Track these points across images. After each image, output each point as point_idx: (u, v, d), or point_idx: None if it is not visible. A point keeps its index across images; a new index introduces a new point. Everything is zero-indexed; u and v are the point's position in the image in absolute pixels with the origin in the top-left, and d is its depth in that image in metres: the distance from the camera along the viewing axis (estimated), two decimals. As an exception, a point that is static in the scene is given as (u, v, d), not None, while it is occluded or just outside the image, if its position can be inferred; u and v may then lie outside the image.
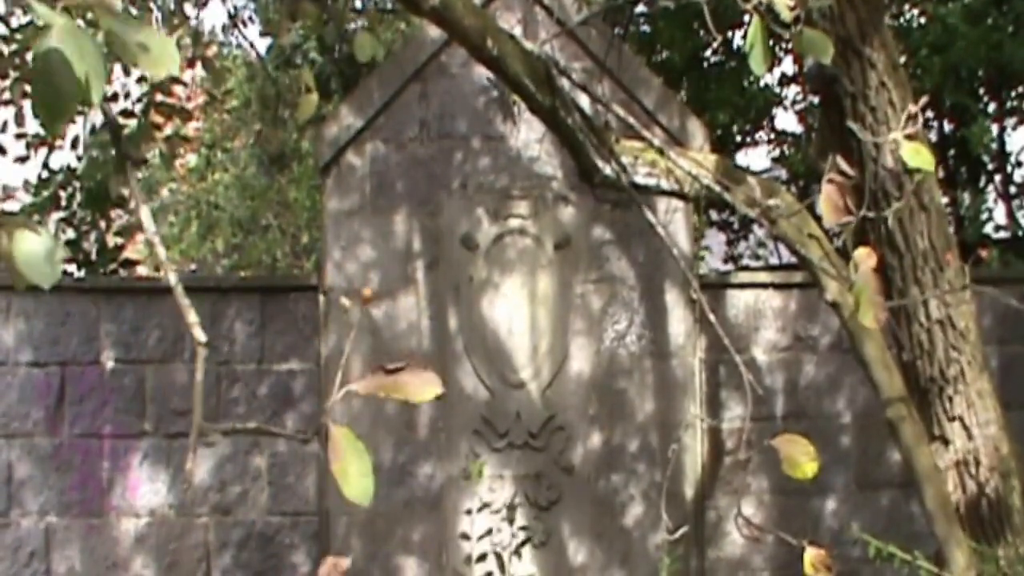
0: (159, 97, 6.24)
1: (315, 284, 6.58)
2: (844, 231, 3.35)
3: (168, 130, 7.01)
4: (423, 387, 2.03)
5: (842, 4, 4.44)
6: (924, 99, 3.58)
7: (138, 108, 6.61)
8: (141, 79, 6.92)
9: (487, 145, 6.57)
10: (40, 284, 1.84)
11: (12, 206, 7.80)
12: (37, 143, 7.06)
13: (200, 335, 2.07)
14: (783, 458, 2.64)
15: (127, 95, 7.27)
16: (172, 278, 2.14)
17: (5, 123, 6.40)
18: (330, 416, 2.00)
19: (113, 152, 6.49)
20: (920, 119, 3.48)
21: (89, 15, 1.80)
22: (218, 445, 6.49)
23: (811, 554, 2.71)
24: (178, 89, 7.73)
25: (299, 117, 4.86)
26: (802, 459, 2.65)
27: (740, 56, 9.43)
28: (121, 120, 6.16)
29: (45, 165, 7.49)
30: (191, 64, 6.57)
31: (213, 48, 8.73)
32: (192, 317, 2.09)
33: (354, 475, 1.98)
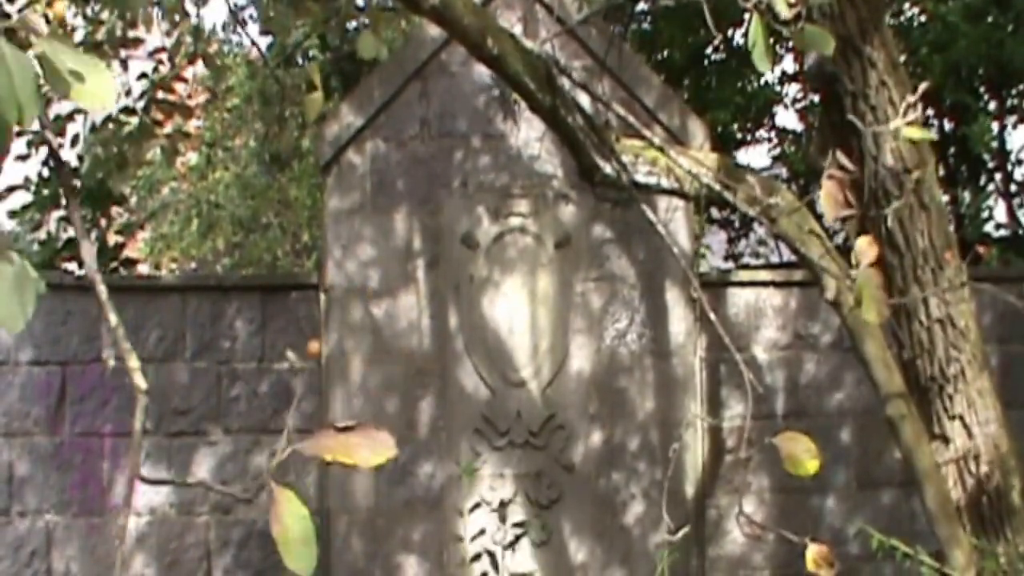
0: (160, 94, 6.24)
1: (316, 283, 6.58)
2: (844, 229, 3.35)
3: (168, 127, 7.00)
4: (374, 450, 1.85)
5: (842, 3, 4.44)
6: (923, 85, 3.57)
7: (139, 105, 6.60)
8: (142, 76, 6.91)
9: (487, 144, 6.57)
10: (14, 330, 1.72)
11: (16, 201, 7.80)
12: (38, 141, 7.05)
13: (141, 382, 1.89)
14: (784, 456, 2.64)
15: (128, 92, 7.27)
16: (92, 270, 1.99)
17: None
18: (273, 477, 1.82)
19: (116, 148, 6.46)
20: (919, 111, 3.47)
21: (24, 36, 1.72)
22: (219, 444, 6.49)
23: (813, 549, 2.71)
24: (179, 87, 7.73)
25: (306, 116, 4.85)
26: (803, 456, 2.65)
27: (741, 54, 9.43)
28: (123, 118, 6.14)
29: (46, 163, 7.49)
30: (192, 61, 6.56)
31: (214, 46, 8.73)
32: (134, 363, 1.91)
33: (295, 543, 1.83)
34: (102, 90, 1.74)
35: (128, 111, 6.67)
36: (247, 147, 12.60)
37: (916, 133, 3.02)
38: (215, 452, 6.49)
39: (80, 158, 7.47)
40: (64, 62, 1.72)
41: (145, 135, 5.79)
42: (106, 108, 1.76)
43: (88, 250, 1.97)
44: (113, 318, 1.84)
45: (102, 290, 2.05)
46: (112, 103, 1.76)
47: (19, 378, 6.46)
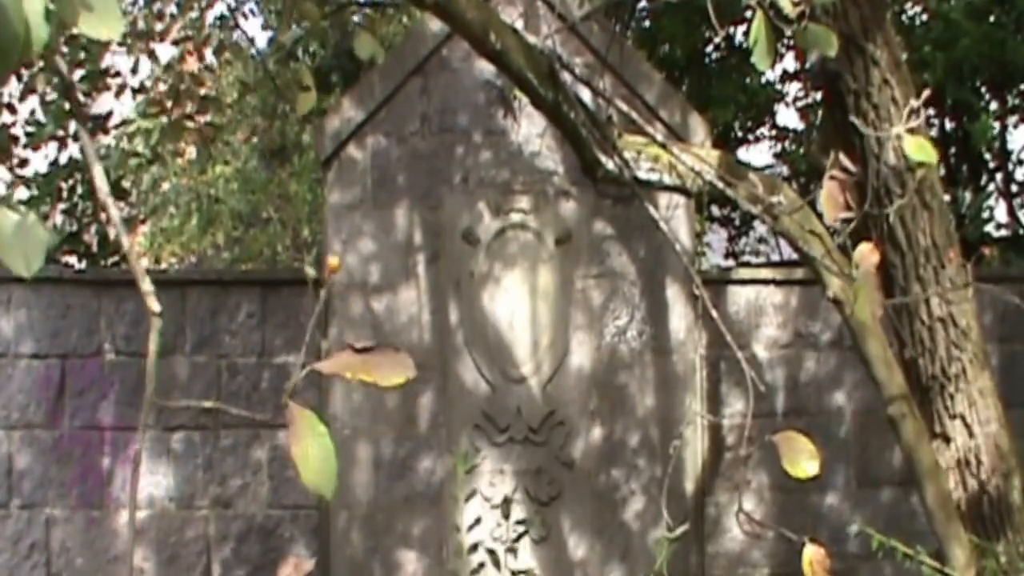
0: (196, 89, 6.21)
1: (316, 277, 6.57)
2: (846, 229, 3.34)
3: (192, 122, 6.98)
4: (394, 369, 1.83)
5: (845, 1, 4.44)
6: (926, 93, 3.57)
7: (142, 107, 6.61)
8: (168, 67, 6.90)
9: (488, 139, 6.57)
10: (20, 273, 1.73)
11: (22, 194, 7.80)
12: (46, 138, 7.06)
13: (155, 305, 1.86)
14: (783, 456, 2.63)
15: (140, 89, 7.28)
16: (124, 243, 1.97)
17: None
18: (291, 397, 1.81)
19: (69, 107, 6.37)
20: (922, 115, 3.47)
21: None
22: (219, 438, 6.49)
23: (810, 552, 2.70)
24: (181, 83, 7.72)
25: (298, 112, 4.85)
26: (802, 457, 2.64)
27: (742, 52, 9.42)
28: (151, 110, 6.13)
29: (55, 163, 7.48)
30: (195, 55, 6.56)
31: (213, 41, 8.72)
32: (147, 285, 1.88)
33: (315, 460, 1.78)
34: (109, 19, 1.70)
35: (157, 105, 6.64)
36: (247, 142, 12.59)
37: (918, 151, 3.01)
38: (215, 445, 6.49)
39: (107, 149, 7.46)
40: None
41: (177, 130, 5.77)
42: (113, 38, 1.74)
43: (100, 174, 1.95)
44: (143, 277, 1.84)
45: (114, 213, 2.02)
46: (118, 33, 1.71)
47: (19, 371, 6.46)
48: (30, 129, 7.24)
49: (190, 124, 6.03)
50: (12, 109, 7.10)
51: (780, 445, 2.65)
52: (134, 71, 7.41)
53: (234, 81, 11.70)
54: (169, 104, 6.14)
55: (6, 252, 1.72)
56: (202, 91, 6.34)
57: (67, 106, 6.92)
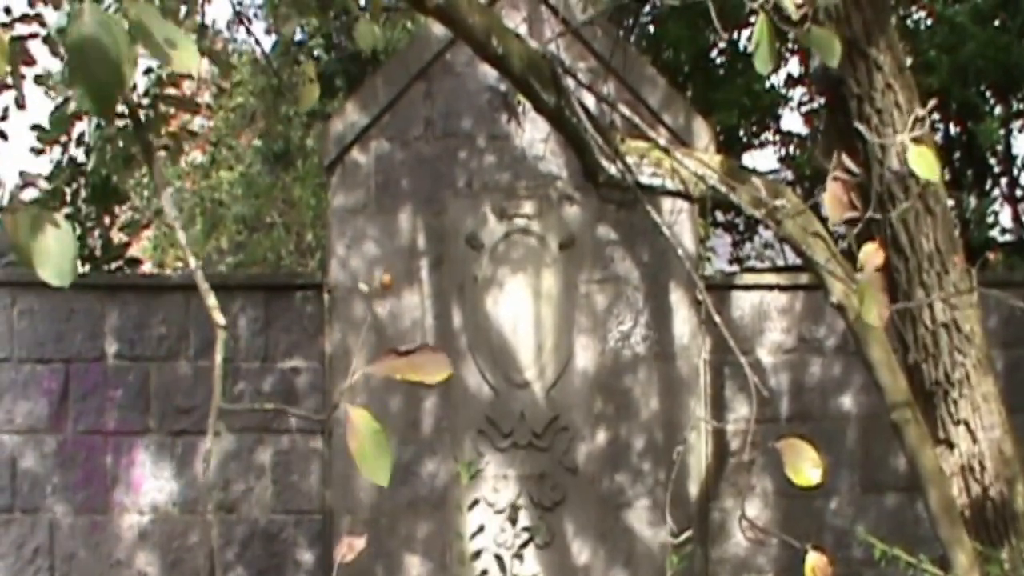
0: (169, 90, 6.22)
1: (319, 282, 6.57)
2: (849, 233, 3.33)
3: (173, 125, 6.99)
4: (434, 369, 2.02)
5: (848, 5, 4.42)
6: (933, 102, 3.56)
7: (145, 101, 6.59)
8: (148, 71, 6.89)
9: (492, 144, 6.57)
10: (55, 283, 1.77)
11: (30, 193, 7.79)
12: (51, 139, 7.03)
13: (219, 318, 2.06)
14: (787, 463, 2.63)
15: (133, 88, 7.25)
16: (192, 261, 2.13)
17: (6, 109, 6.38)
18: (345, 399, 1.99)
19: (123, 144, 6.45)
20: (928, 122, 3.46)
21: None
22: (222, 442, 6.49)
23: (812, 559, 2.69)
24: (184, 84, 7.72)
25: (300, 107, 4.85)
26: (805, 465, 2.63)
27: (746, 57, 9.40)
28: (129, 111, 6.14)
29: (59, 163, 7.48)
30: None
31: (219, 43, 8.73)
32: (211, 300, 2.08)
33: (372, 455, 1.99)
34: (189, 56, 1.80)
35: (137, 107, 6.64)
36: (251, 146, 12.61)
37: (921, 165, 3.00)
38: (218, 450, 6.48)
39: (87, 153, 7.45)
40: (157, 28, 1.77)
41: (154, 131, 5.79)
42: (192, 73, 1.82)
43: (167, 200, 2.06)
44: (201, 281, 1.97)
45: (181, 235, 2.21)
46: (197, 68, 1.79)
47: (22, 375, 6.46)
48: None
49: (165, 127, 6.04)
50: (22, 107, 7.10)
51: (784, 452, 2.64)
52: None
53: (240, 84, 11.72)
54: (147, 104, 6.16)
55: (42, 262, 1.77)
56: (176, 92, 6.33)
57: (71, 110, 6.92)
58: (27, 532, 6.44)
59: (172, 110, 6.12)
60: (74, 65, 1.69)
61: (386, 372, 2.02)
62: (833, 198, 3.03)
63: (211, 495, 6.44)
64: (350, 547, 2.36)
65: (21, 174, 6.97)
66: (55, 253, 1.78)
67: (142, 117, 6.14)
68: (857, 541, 6.44)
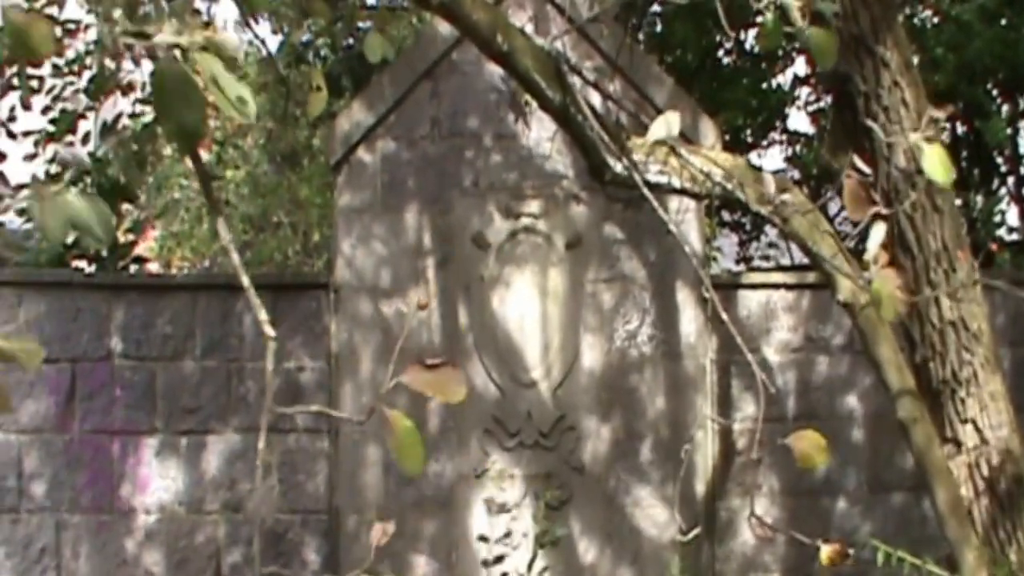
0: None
1: (326, 282, 6.57)
2: (858, 229, 3.31)
3: None
4: (454, 388, 2.19)
5: (855, 3, 4.42)
6: (950, 108, 3.53)
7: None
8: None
9: (498, 143, 6.56)
10: (96, 246, 1.89)
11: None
12: (45, 139, 7.04)
13: (269, 331, 2.20)
14: (796, 454, 2.64)
15: (144, 86, 7.25)
16: (244, 281, 2.29)
17: (13, 109, 6.39)
18: (383, 402, 2.16)
19: (136, 147, 6.46)
20: (937, 127, 3.44)
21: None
22: (229, 442, 6.49)
23: (828, 548, 2.73)
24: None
25: (308, 114, 4.85)
26: (813, 451, 2.65)
27: (753, 56, 9.41)
28: (138, 109, 6.15)
29: (52, 160, 7.49)
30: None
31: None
32: (262, 315, 2.25)
33: (408, 448, 2.19)
34: (251, 107, 1.93)
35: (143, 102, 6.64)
36: (257, 145, 12.60)
37: (934, 169, 2.99)
38: (225, 450, 6.49)
39: (92, 155, 7.47)
40: (231, 88, 1.90)
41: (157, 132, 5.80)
42: (250, 120, 1.98)
43: (223, 225, 2.16)
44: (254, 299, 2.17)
45: (235, 257, 2.37)
46: (254, 116, 1.93)
47: (28, 375, 6.46)
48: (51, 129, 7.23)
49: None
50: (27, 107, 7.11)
51: (793, 444, 2.65)
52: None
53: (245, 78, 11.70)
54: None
55: (83, 230, 1.90)
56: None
57: (68, 109, 6.94)
58: (34, 531, 6.44)
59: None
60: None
61: (419, 385, 2.18)
62: (852, 195, 3.00)
63: (269, 494, 6.44)
64: (383, 531, 2.52)
65: (56, 156, 6.98)
66: (95, 221, 1.91)
67: (147, 119, 6.16)
68: (863, 547, 6.45)
